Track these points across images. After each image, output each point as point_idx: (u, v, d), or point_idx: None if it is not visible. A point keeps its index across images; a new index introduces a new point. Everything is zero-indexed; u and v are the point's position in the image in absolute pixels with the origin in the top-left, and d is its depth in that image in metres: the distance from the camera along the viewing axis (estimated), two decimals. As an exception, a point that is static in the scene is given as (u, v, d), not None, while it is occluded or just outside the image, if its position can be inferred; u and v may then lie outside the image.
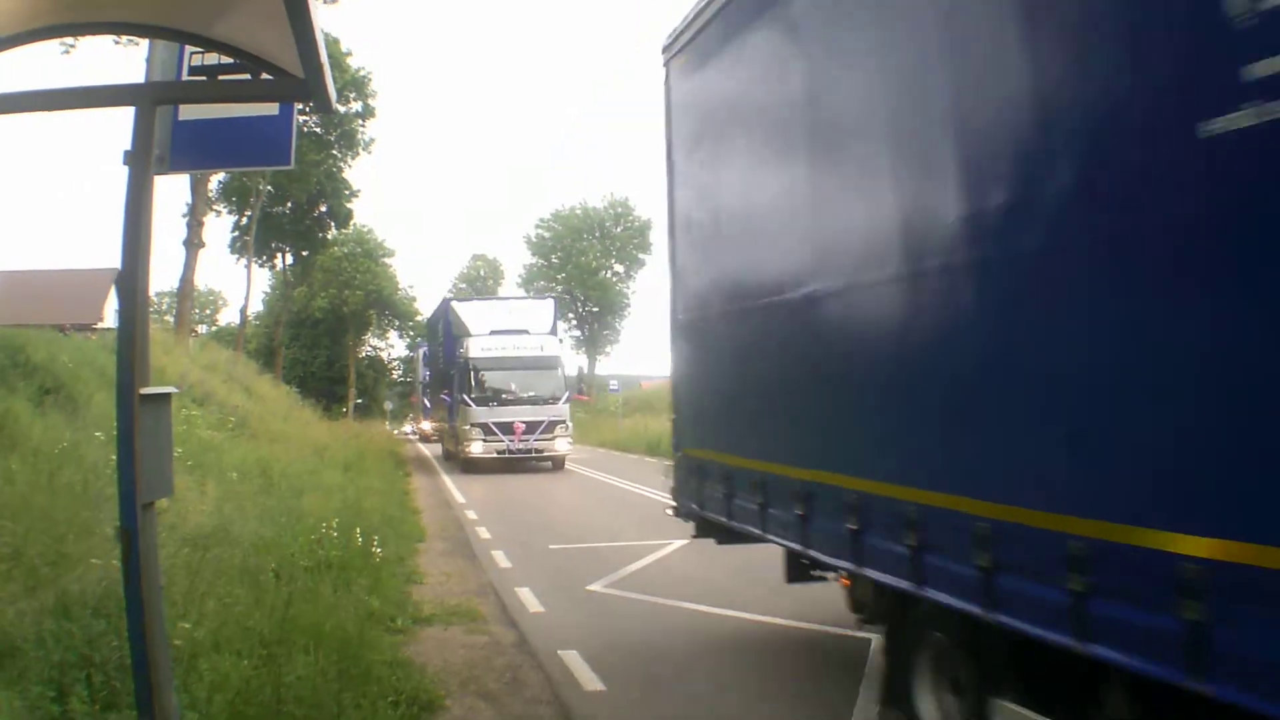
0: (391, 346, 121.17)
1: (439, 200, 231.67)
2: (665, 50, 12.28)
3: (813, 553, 8.67)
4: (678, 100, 12.16)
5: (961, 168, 6.40)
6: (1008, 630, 5.87)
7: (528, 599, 14.00)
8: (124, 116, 5.54)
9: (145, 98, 5.48)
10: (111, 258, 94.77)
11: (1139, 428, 4.96)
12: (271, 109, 5.93)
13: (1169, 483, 4.80)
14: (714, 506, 10.72)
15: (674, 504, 12.15)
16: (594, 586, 14.81)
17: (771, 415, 9.56)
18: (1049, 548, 5.37)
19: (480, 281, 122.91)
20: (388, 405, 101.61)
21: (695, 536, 11.94)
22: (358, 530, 14.78)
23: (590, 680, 10.15)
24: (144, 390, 5.26)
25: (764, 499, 9.31)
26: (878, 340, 7.65)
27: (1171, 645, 4.58)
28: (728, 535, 10.88)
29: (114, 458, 11.77)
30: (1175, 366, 4.73)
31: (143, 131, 5.37)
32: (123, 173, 5.40)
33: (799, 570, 10.12)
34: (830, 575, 9.65)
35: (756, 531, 9.61)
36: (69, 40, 27.57)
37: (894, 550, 6.99)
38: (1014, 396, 5.89)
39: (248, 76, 5.57)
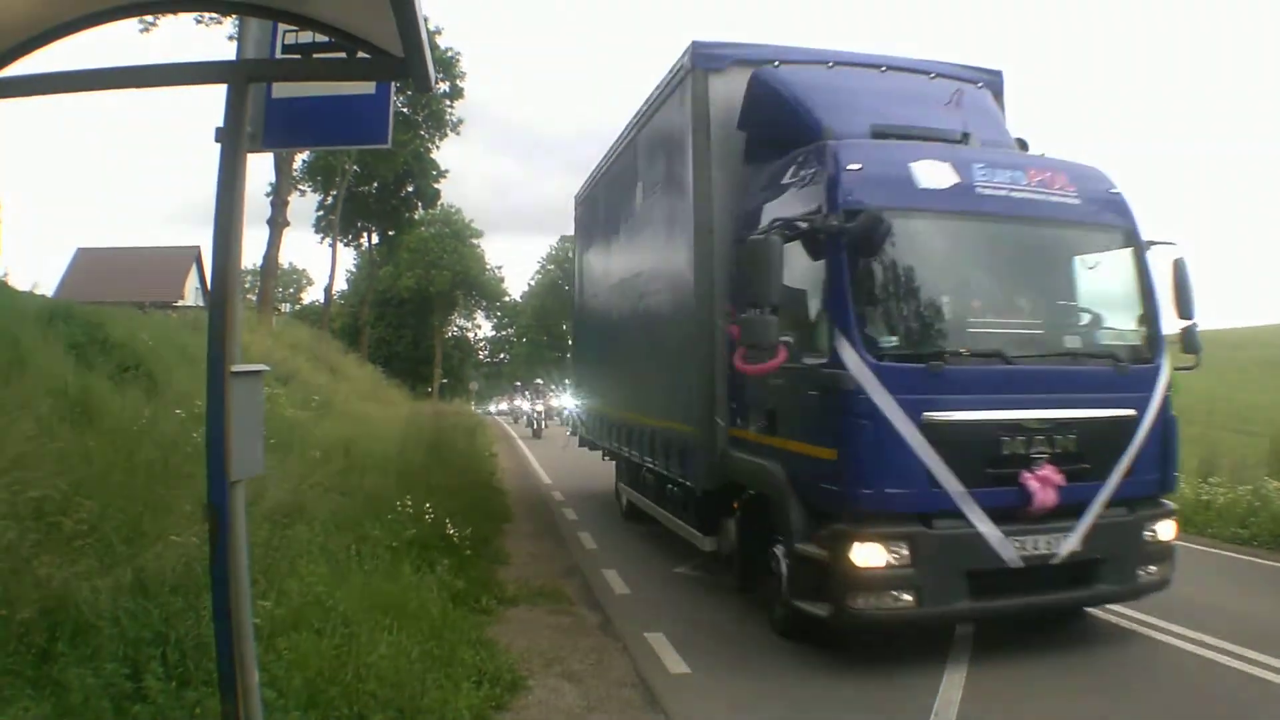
0: (478, 327, 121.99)
1: (526, 179, 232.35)
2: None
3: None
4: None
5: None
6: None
7: (614, 580, 14.07)
8: (210, 94, 5.54)
9: (239, 75, 5.46)
10: (193, 236, 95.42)
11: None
12: (368, 88, 5.85)
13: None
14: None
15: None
16: (680, 569, 14.84)
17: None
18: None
19: (569, 263, 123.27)
20: (473, 386, 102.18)
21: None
22: (442, 509, 14.83)
23: (675, 662, 10.16)
24: (235, 368, 5.26)
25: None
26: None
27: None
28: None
29: (195, 435, 11.94)
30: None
31: (235, 109, 5.36)
32: (209, 151, 5.40)
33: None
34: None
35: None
36: (148, 18, 27.91)
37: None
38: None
39: (343, 55, 5.54)
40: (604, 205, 20.22)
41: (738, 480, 12.15)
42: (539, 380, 62.45)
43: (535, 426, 52.89)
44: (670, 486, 15.29)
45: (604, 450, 21.43)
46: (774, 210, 11.10)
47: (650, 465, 15.95)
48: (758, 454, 11.38)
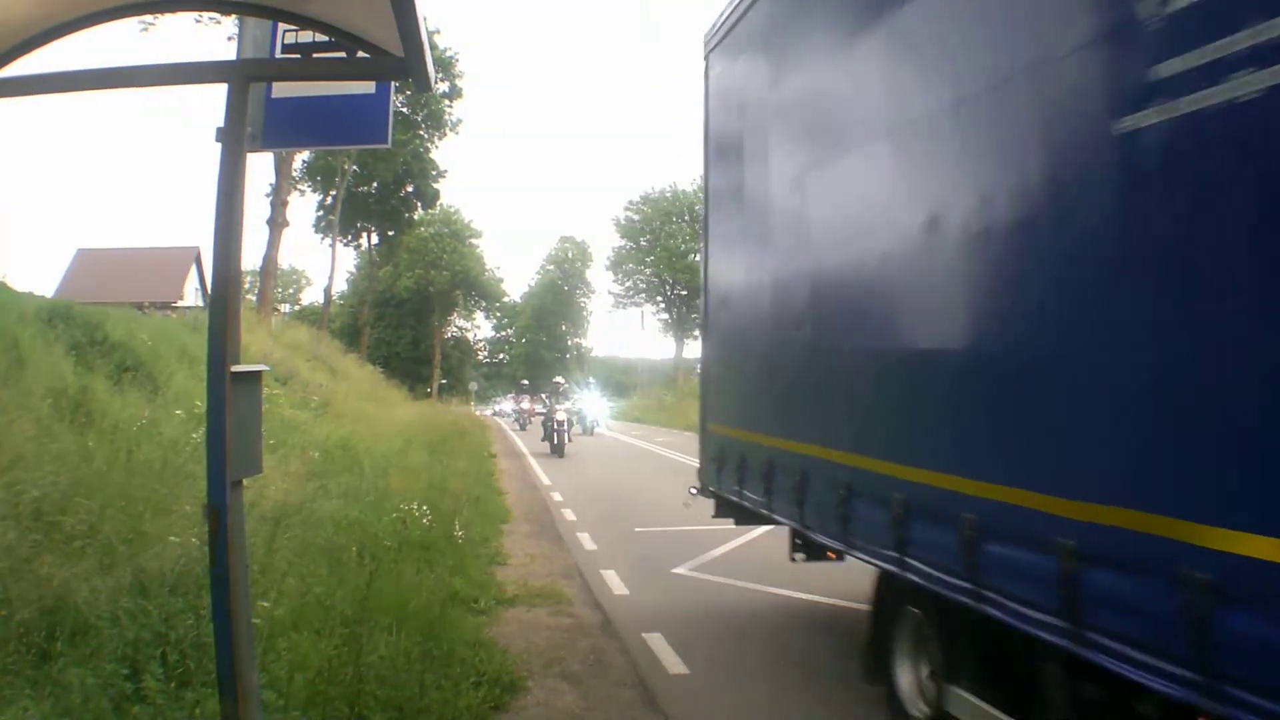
0: (478, 327, 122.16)
1: (526, 182, 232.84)
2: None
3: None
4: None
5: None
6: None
7: (612, 581, 13.99)
8: (210, 94, 5.56)
9: (238, 75, 5.45)
10: (193, 236, 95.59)
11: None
12: (368, 87, 5.87)
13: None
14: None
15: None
16: (679, 569, 14.77)
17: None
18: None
19: (569, 264, 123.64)
20: (473, 386, 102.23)
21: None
22: (442, 510, 14.79)
23: (674, 663, 10.10)
24: (235, 368, 5.26)
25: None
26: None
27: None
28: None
29: (194, 436, 11.94)
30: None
31: (236, 109, 5.36)
32: (208, 151, 5.42)
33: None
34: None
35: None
36: (148, 18, 27.89)
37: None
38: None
39: (343, 55, 5.54)
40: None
41: None
42: (559, 379, 47.67)
43: (556, 440, 37.57)
44: None
45: (816, 544, 9.60)
46: None
47: None
48: None
